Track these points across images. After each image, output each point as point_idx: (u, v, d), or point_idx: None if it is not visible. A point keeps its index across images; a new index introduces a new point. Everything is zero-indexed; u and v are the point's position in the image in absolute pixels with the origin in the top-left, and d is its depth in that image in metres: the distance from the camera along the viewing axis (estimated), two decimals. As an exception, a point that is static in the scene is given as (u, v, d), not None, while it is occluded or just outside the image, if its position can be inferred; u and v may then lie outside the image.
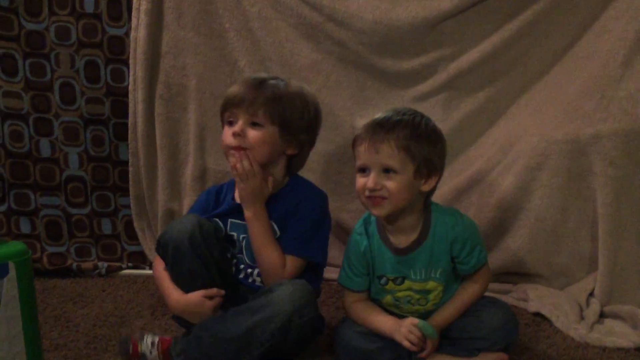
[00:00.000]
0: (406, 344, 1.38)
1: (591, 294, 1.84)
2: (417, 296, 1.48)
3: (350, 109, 2.11)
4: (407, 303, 1.49)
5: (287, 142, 1.49)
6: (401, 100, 2.09)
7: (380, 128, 1.38)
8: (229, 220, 1.53)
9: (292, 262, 1.47)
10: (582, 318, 1.74)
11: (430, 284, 1.46)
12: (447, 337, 1.45)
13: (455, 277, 1.49)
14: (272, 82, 1.49)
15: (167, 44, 2.11)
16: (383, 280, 1.48)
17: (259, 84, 1.47)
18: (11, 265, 1.21)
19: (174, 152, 2.16)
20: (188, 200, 2.11)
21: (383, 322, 1.45)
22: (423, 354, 1.39)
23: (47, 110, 2.07)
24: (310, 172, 2.12)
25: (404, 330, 1.39)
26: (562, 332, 1.69)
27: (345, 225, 2.15)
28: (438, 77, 2.05)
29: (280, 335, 1.35)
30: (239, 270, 1.56)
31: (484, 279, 1.49)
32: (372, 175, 1.37)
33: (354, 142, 1.44)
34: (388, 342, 1.42)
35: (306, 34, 2.09)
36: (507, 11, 1.98)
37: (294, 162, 1.55)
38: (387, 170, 1.37)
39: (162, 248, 1.47)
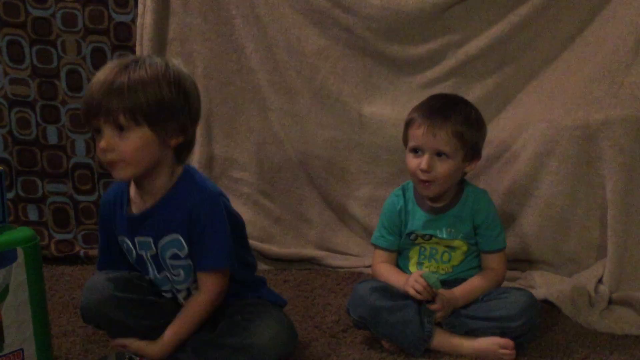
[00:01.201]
0: (412, 291, 1.47)
1: (600, 281, 1.82)
2: (443, 249, 1.60)
3: (358, 96, 2.10)
4: (432, 257, 1.59)
5: (165, 135, 1.30)
6: (409, 86, 2.08)
7: (438, 115, 1.51)
8: (135, 239, 1.39)
9: (213, 279, 1.37)
10: (591, 305, 1.73)
11: (456, 242, 1.58)
12: (473, 317, 1.48)
13: (476, 254, 1.61)
14: (117, 79, 1.26)
15: (174, 30, 2.10)
16: (412, 236, 1.60)
17: (109, 86, 1.25)
18: (19, 252, 1.22)
19: (180, 139, 2.15)
20: (195, 188, 2.10)
21: (400, 279, 1.55)
22: (433, 306, 1.47)
23: (53, 97, 2.06)
24: (317, 159, 2.13)
25: (410, 280, 1.49)
26: (570, 319, 1.69)
27: (352, 212, 2.15)
28: (446, 63, 2.04)
29: None
30: (170, 293, 1.45)
31: (502, 267, 1.60)
32: (426, 157, 1.51)
33: (409, 124, 1.56)
34: (400, 303, 1.48)
35: (313, 20, 2.08)
36: (517, -4, 1.96)
37: (183, 150, 1.37)
38: (439, 154, 1.51)
39: (88, 320, 1.42)
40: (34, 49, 2.02)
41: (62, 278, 1.92)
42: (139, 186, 1.36)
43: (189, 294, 1.42)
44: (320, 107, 2.12)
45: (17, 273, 1.21)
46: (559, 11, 1.95)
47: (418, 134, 1.53)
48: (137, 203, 1.37)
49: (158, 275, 1.41)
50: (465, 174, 1.60)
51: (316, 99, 2.12)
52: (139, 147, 1.26)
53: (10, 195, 2.08)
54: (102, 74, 1.28)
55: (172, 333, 1.37)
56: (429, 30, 2.03)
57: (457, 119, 1.52)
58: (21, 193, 2.10)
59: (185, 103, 1.32)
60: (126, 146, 1.26)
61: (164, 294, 1.44)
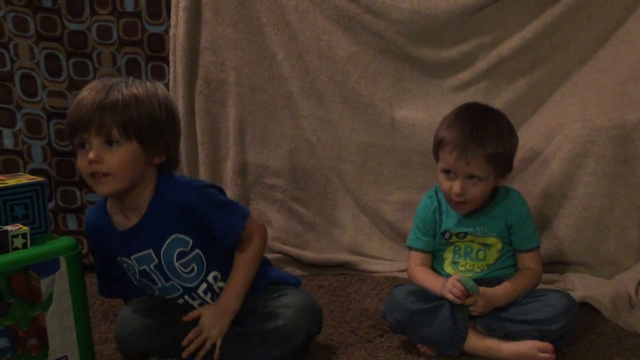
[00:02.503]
0: (449, 296, 1.47)
1: (640, 283, 1.80)
2: (477, 246, 1.60)
3: (390, 100, 2.10)
4: (467, 256, 1.59)
5: (151, 152, 1.33)
6: (441, 89, 2.07)
7: (471, 141, 1.50)
8: (132, 257, 1.40)
9: (247, 234, 1.42)
10: (631, 307, 1.71)
11: (491, 240, 1.59)
12: (511, 320, 1.48)
13: (512, 253, 1.61)
14: (111, 96, 1.28)
15: (206, 40, 2.13)
16: (447, 235, 1.61)
17: (101, 101, 1.27)
18: (62, 260, 1.24)
19: (214, 147, 2.17)
20: (229, 195, 2.11)
21: (436, 282, 1.55)
22: (467, 300, 1.47)
23: (90, 108, 2.10)
24: (350, 164, 2.14)
25: (448, 284, 1.49)
26: (611, 322, 1.66)
27: (385, 217, 2.14)
28: (478, 66, 2.03)
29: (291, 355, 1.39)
30: (187, 304, 1.46)
31: (539, 266, 1.60)
32: (459, 182, 1.52)
33: (440, 146, 1.56)
34: (435, 304, 1.49)
35: (343, 25, 2.09)
36: (548, -4, 1.95)
37: (165, 167, 1.39)
38: (472, 177, 1.51)
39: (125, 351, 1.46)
40: (71, 62, 2.07)
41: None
42: (121, 203, 1.37)
43: (209, 288, 1.43)
44: (352, 112, 2.12)
45: (60, 282, 1.24)
46: (592, 10, 1.93)
47: (450, 159, 1.52)
48: (121, 221, 1.39)
49: (166, 284, 1.42)
50: None
51: (348, 104, 2.12)
52: (127, 161, 1.28)
53: (50, 205, 2.12)
54: (92, 92, 1.29)
55: (229, 292, 1.41)
56: (459, 33, 2.02)
57: (489, 143, 1.50)
58: (60, 203, 2.14)
59: (172, 123, 1.36)
60: (115, 159, 1.27)
61: (178, 302, 1.46)
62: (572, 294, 1.73)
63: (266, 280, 1.49)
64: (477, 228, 1.58)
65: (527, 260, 1.59)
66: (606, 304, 1.71)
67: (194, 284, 1.42)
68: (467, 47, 2.03)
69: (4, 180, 1.29)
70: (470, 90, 2.03)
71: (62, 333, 1.25)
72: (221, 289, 1.43)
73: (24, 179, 1.31)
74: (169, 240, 1.37)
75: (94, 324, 1.59)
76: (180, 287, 1.42)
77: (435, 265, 1.66)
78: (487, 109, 1.62)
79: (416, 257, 1.65)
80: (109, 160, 1.27)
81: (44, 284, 1.21)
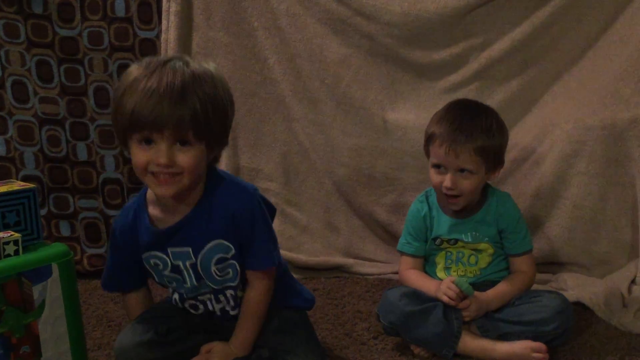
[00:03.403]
0: (444, 298, 1.48)
1: (633, 282, 1.81)
2: (469, 252, 1.60)
3: (382, 103, 2.11)
4: (459, 261, 1.59)
5: (212, 153, 1.28)
6: (432, 91, 2.08)
7: (459, 133, 1.50)
8: (169, 250, 1.32)
9: (261, 278, 1.35)
10: (624, 306, 1.71)
11: (482, 245, 1.59)
12: (506, 321, 1.48)
13: (504, 256, 1.61)
14: (189, 100, 1.17)
15: (198, 44, 2.13)
16: (438, 241, 1.61)
17: (180, 96, 1.16)
18: (54, 267, 1.24)
19: (207, 151, 2.17)
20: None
21: (430, 284, 1.56)
22: (461, 304, 1.47)
23: (82, 114, 2.10)
24: (343, 166, 2.14)
25: (442, 287, 1.49)
26: (604, 321, 1.67)
27: (379, 219, 2.15)
28: (469, 67, 2.03)
29: None
30: (208, 312, 1.41)
31: (532, 269, 1.59)
32: (449, 175, 1.52)
33: (430, 140, 1.56)
34: (429, 306, 1.49)
35: (335, 28, 2.09)
36: (538, -3, 1.96)
37: (215, 160, 1.34)
38: (462, 170, 1.51)
39: None
40: (62, 67, 2.06)
41: (95, 292, 1.95)
42: (167, 201, 1.28)
43: (234, 295, 1.37)
44: (344, 115, 2.13)
45: (53, 288, 1.23)
46: (582, 11, 1.94)
47: (440, 152, 1.53)
48: (162, 218, 1.31)
49: (195, 284, 1.35)
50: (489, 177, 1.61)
51: (340, 107, 2.13)
52: (197, 162, 1.21)
53: (42, 212, 2.12)
54: (162, 85, 1.15)
55: (240, 340, 1.35)
56: (450, 35, 2.03)
57: (478, 135, 1.51)
58: (53, 209, 2.14)
59: (230, 118, 1.27)
60: (186, 161, 1.19)
61: (196, 306, 1.40)
62: (565, 294, 1.74)
63: (284, 302, 1.43)
64: (469, 234, 1.58)
65: (520, 264, 1.59)
66: (599, 303, 1.72)
67: (227, 285, 1.35)
68: (458, 48, 2.03)
69: (-4, 187, 1.29)
70: (461, 91, 2.03)
71: (55, 340, 1.25)
72: (240, 298, 1.38)
73: (16, 185, 1.31)
74: (211, 244, 1.29)
75: (87, 330, 1.59)
76: (209, 288, 1.36)
77: (427, 269, 1.66)
78: (476, 104, 1.63)
79: (407, 262, 1.66)
80: (180, 162, 1.19)
81: (36, 290, 1.21)
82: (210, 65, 1.27)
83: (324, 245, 2.18)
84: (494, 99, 2.00)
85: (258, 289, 1.35)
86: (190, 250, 1.30)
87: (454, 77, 2.05)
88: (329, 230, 2.20)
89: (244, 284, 1.37)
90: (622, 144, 1.83)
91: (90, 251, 2.15)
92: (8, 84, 2.04)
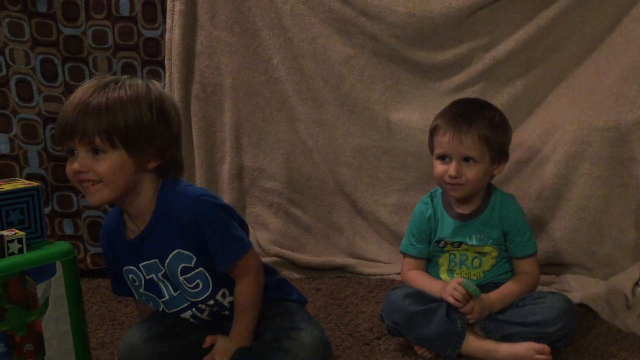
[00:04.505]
0: (450, 299, 1.47)
1: (637, 283, 1.80)
2: (473, 254, 1.59)
3: (385, 103, 2.11)
4: (462, 264, 1.59)
5: (142, 158, 1.25)
6: (436, 92, 2.07)
7: (462, 120, 1.52)
8: (140, 265, 1.33)
9: (240, 267, 1.33)
10: (628, 308, 1.71)
11: (486, 248, 1.58)
12: (509, 322, 1.48)
13: (508, 259, 1.60)
14: (95, 99, 1.20)
15: (202, 44, 2.13)
16: (442, 244, 1.60)
17: (85, 106, 1.20)
18: (58, 266, 1.24)
19: (210, 151, 2.18)
20: (226, 198, 2.12)
21: (434, 285, 1.56)
22: (465, 308, 1.46)
23: (86, 113, 2.10)
24: (346, 167, 2.14)
25: (449, 288, 1.48)
26: (607, 323, 1.66)
27: (382, 219, 2.15)
28: (473, 68, 2.03)
29: None
30: (190, 322, 1.40)
31: (536, 271, 1.59)
32: (454, 163, 1.52)
33: (434, 132, 1.57)
34: (432, 306, 1.49)
35: (339, 29, 2.09)
36: (543, -2, 1.96)
37: (164, 171, 1.31)
38: (467, 159, 1.51)
39: None
40: (67, 66, 2.07)
41: (98, 291, 1.95)
42: (125, 211, 1.32)
43: (216, 304, 1.37)
44: (347, 115, 2.13)
45: (57, 287, 1.23)
46: (586, 12, 1.94)
47: (444, 141, 1.53)
48: (132, 229, 1.33)
49: (174, 294, 1.35)
50: (493, 176, 1.60)
51: (344, 107, 2.13)
52: (114, 170, 1.21)
53: (46, 210, 2.12)
54: (79, 93, 1.22)
55: (239, 332, 1.35)
56: (454, 36, 2.03)
57: (481, 123, 1.52)
58: (57, 208, 2.14)
59: (166, 127, 1.26)
60: (102, 168, 1.21)
61: (184, 316, 1.39)
62: (569, 295, 1.74)
63: (277, 294, 1.45)
64: (473, 236, 1.58)
65: (524, 267, 1.59)
66: (603, 305, 1.71)
67: (200, 299, 1.35)
68: (462, 49, 2.03)
69: (0, 185, 1.29)
70: (465, 92, 2.03)
71: (59, 338, 1.25)
72: (231, 302, 1.37)
73: (20, 184, 1.31)
74: (172, 254, 1.30)
75: (90, 329, 1.59)
76: (188, 300, 1.36)
77: (430, 271, 1.65)
78: (479, 99, 1.67)
79: (410, 263, 1.65)
80: (96, 170, 1.21)
81: (40, 289, 1.21)
82: (151, 86, 1.27)
83: (327, 246, 2.18)
84: (498, 100, 2.00)
85: (242, 284, 1.34)
86: (158, 261, 1.32)
87: (458, 78, 2.05)
88: (332, 230, 2.20)
89: (229, 288, 1.36)
90: (626, 146, 1.83)
91: (94, 250, 2.15)
92: (12, 83, 2.05)
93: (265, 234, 2.16)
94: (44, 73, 2.06)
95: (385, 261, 2.13)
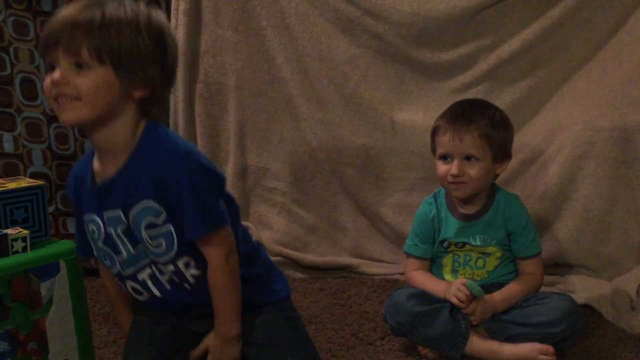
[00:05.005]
0: (454, 300, 1.46)
1: (642, 285, 1.80)
2: (476, 255, 1.59)
3: (390, 103, 2.10)
4: (466, 264, 1.58)
5: (130, 83, 1.12)
6: (441, 92, 2.07)
7: (462, 119, 1.52)
8: (104, 214, 1.18)
9: (213, 245, 1.18)
10: (632, 309, 1.70)
11: (490, 249, 1.58)
12: (513, 323, 1.48)
13: (512, 259, 1.60)
14: (88, 12, 1.10)
15: (206, 43, 2.13)
16: (445, 244, 1.60)
17: (76, 18, 1.09)
18: (62, 264, 1.24)
19: (214, 150, 2.18)
20: (230, 198, 2.12)
21: (438, 285, 1.56)
22: (467, 309, 1.46)
23: (90, 112, 2.10)
24: (350, 166, 2.13)
25: (453, 288, 1.48)
26: (612, 324, 1.66)
27: (386, 219, 2.14)
28: (478, 68, 2.03)
29: None
30: (153, 296, 1.23)
31: (540, 271, 1.58)
32: (456, 162, 1.52)
33: (435, 133, 1.58)
34: (436, 307, 1.49)
35: (343, 28, 2.09)
36: (548, -2, 1.95)
37: (149, 107, 1.18)
38: (468, 158, 1.52)
39: None
40: (71, 65, 2.07)
41: (101, 289, 1.94)
42: (97, 146, 1.18)
43: (177, 272, 1.20)
44: (352, 114, 2.12)
45: (60, 285, 1.24)
46: (592, 12, 1.93)
47: (445, 140, 1.53)
48: (100, 173, 1.19)
49: (133, 251, 1.19)
50: (497, 176, 1.60)
51: (348, 107, 2.12)
52: (97, 88, 1.08)
53: (50, 209, 2.12)
54: (71, 7, 1.10)
55: (221, 321, 1.21)
56: (459, 35, 2.02)
57: (481, 121, 1.52)
58: (61, 207, 2.14)
59: (162, 57, 1.15)
60: (83, 82, 1.08)
61: (138, 290, 1.23)
62: (573, 296, 1.73)
63: (264, 296, 1.31)
64: (477, 237, 1.57)
65: (528, 267, 1.58)
66: (607, 306, 1.71)
67: (160, 260, 1.19)
68: (467, 49, 2.03)
69: (4, 183, 1.29)
70: (470, 92, 2.03)
71: (63, 337, 1.25)
72: (195, 277, 1.20)
73: (24, 182, 1.31)
74: (140, 204, 1.15)
75: (94, 328, 1.59)
76: (148, 256, 1.20)
77: (434, 271, 1.65)
78: (480, 100, 1.67)
79: (414, 263, 1.65)
80: (77, 84, 1.07)
81: (44, 287, 1.21)
82: (153, 12, 1.16)
83: (330, 245, 2.18)
84: (502, 100, 2.00)
85: (212, 261, 1.18)
86: (121, 212, 1.16)
87: (463, 78, 2.05)
88: (335, 230, 2.19)
89: (195, 259, 1.20)
90: (631, 146, 1.83)
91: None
92: (17, 81, 2.05)
93: (269, 233, 2.16)
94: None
95: (389, 261, 2.13)
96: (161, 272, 1.21)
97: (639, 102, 1.82)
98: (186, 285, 1.21)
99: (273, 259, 2.04)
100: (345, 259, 2.12)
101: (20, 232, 1.21)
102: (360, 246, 2.17)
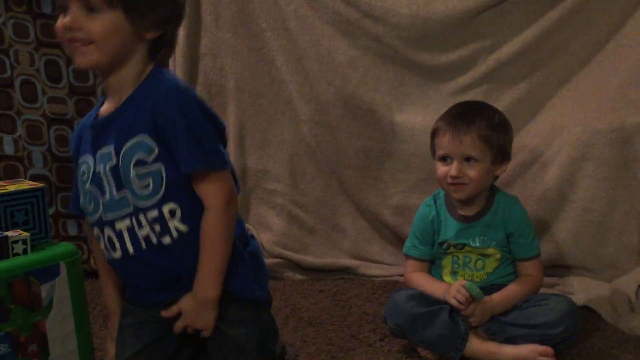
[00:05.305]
0: (453, 302, 1.47)
1: (640, 286, 1.80)
2: (476, 256, 1.59)
3: (389, 105, 2.11)
4: (465, 266, 1.59)
5: (141, 25, 1.12)
6: (440, 94, 2.07)
7: (461, 121, 1.53)
8: (98, 153, 1.16)
9: (211, 186, 1.13)
10: (632, 310, 1.71)
11: (490, 250, 1.58)
12: (513, 324, 1.48)
13: (511, 261, 1.60)
14: None
15: (206, 45, 2.13)
16: (445, 246, 1.60)
17: None
18: (62, 266, 1.24)
19: (214, 152, 2.18)
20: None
21: (437, 286, 1.56)
22: (466, 311, 1.46)
23: (90, 114, 2.10)
24: (350, 168, 2.14)
25: (452, 290, 1.48)
26: (611, 325, 1.66)
27: (385, 221, 2.14)
28: (477, 70, 2.03)
29: None
30: (127, 255, 1.15)
31: (539, 273, 1.59)
32: (455, 164, 1.52)
33: (435, 134, 1.59)
34: (436, 308, 1.49)
35: (343, 30, 2.09)
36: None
37: (159, 47, 1.17)
38: (468, 159, 1.52)
39: None
40: (71, 67, 2.07)
41: (101, 291, 1.95)
42: (108, 87, 1.18)
43: (159, 220, 1.13)
44: (351, 116, 2.13)
45: (61, 287, 1.24)
46: (590, 14, 1.93)
47: (444, 142, 1.54)
48: (103, 112, 1.19)
49: (115, 195, 1.14)
50: (496, 178, 1.60)
51: (347, 108, 2.13)
52: (109, 31, 1.09)
53: (50, 211, 2.12)
54: None
55: (200, 279, 1.14)
56: (459, 37, 2.02)
57: (480, 122, 1.53)
58: (61, 209, 2.14)
59: None
60: (95, 26, 1.08)
61: (113, 244, 1.16)
62: (572, 297, 1.74)
63: (239, 288, 1.19)
64: (477, 238, 1.57)
65: (527, 268, 1.58)
66: (607, 307, 1.71)
67: (145, 204, 1.13)
68: (467, 51, 2.03)
69: (5, 186, 1.30)
70: (469, 94, 2.03)
71: (63, 339, 1.25)
72: (179, 231, 1.13)
73: (25, 184, 1.31)
74: (134, 139, 1.12)
75: (94, 330, 1.59)
76: (130, 204, 1.13)
77: (433, 273, 1.65)
78: (478, 102, 1.69)
79: (413, 265, 1.65)
80: (89, 29, 1.08)
81: (44, 289, 1.21)
82: None
83: (330, 247, 2.18)
84: (502, 102, 2.00)
85: (210, 205, 1.12)
86: (113, 149, 1.13)
87: (462, 80, 2.05)
88: (335, 231, 2.20)
89: (183, 208, 1.13)
90: (630, 148, 1.83)
91: (97, 251, 2.15)
92: (17, 84, 2.05)
93: (269, 235, 2.17)
94: (48, 74, 2.06)
95: (389, 263, 2.13)
96: (140, 225, 1.14)
97: (637, 104, 1.82)
98: (166, 242, 1.13)
99: (273, 260, 2.06)
100: (345, 261, 2.12)
101: (20, 234, 1.21)
102: (359, 248, 2.18)
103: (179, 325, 1.16)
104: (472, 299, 1.46)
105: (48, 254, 1.24)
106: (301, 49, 2.12)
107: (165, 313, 1.16)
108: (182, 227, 1.13)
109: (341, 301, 1.88)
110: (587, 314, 1.71)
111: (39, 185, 1.30)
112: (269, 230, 2.19)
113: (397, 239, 2.13)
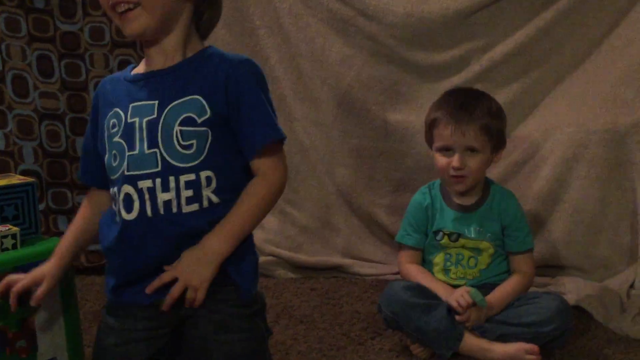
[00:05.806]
0: (454, 304, 1.47)
1: (632, 286, 1.80)
2: (469, 254, 1.58)
3: (383, 104, 2.10)
4: (458, 263, 1.58)
5: None
6: (434, 93, 2.04)
7: (462, 112, 1.53)
8: (131, 105, 1.10)
9: (270, 160, 1.12)
10: (623, 310, 1.71)
11: (483, 244, 1.57)
12: (505, 323, 1.48)
13: (504, 257, 1.60)
14: None
15: (199, 42, 2.12)
16: (439, 236, 1.60)
17: None
18: (52, 261, 1.23)
19: (207, 149, 2.17)
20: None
21: (439, 286, 1.56)
22: (463, 317, 1.46)
23: (82, 109, 2.09)
24: (343, 167, 2.13)
25: (457, 293, 1.49)
26: (602, 325, 1.66)
27: (378, 220, 2.14)
28: (471, 69, 2.03)
29: None
30: (144, 216, 1.06)
31: (531, 268, 1.59)
32: (457, 155, 1.52)
33: (433, 125, 1.58)
34: (433, 302, 1.49)
35: (337, 29, 2.09)
36: (542, 0, 1.95)
37: (204, 9, 1.15)
38: (469, 150, 1.52)
39: None
40: (63, 62, 2.06)
41: (92, 288, 1.95)
42: (151, 47, 1.12)
43: (194, 185, 1.06)
44: (345, 115, 2.12)
45: (50, 283, 1.23)
46: (584, 15, 1.94)
47: (446, 134, 1.53)
48: (144, 70, 1.14)
49: (146, 152, 1.07)
50: (490, 163, 1.61)
51: (341, 107, 2.12)
52: None
53: (41, 207, 2.11)
54: None
55: (224, 226, 1.06)
56: (453, 37, 2.02)
57: (481, 113, 1.53)
58: (51, 204, 2.13)
59: None
60: None
61: (131, 201, 1.07)
62: (564, 297, 1.74)
63: (237, 275, 1.10)
64: (472, 228, 1.57)
65: (520, 263, 1.59)
66: (598, 307, 1.71)
67: (183, 166, 1.06)
68: (461, 50, 2.03)
69: (-6, 180, 1.29)
70: (463, 93, 2.03)
71: (52, 335, 1.24)
72: (210, 201, 1.06)
73: (15, 179, 1.30)
74: (185, 98, 1.07)
75: (83, 326, 1.58)
76: (160, 162, 1.06)
77: (426, 253, 1.66)
78: (472, 89, 1.68)
79: (407, 254, 1.65)
80: None
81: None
82: None
83: (323, 246, 2.18)
84: (495, 102, 2.00)
85: (266, 173, 1.11)
86: (157, 104, 1.08)
87: (456, 79, 2.05)
88: (328, 230, 2.19)
89: (221, 178, 1.08)
90: (623, 148, 1.83)
91: (89, 247, 2.14)
92: (8, 78, 2.04)
93: (261, 233, 2.16)
94: (40, 69, 2.05)
95: (381, 261, 2.13)
96: (166, 188, 1.06)
97: (630, 104, 1.83)
98: (191, 209, 1.06)
99: (265, 259, 2.05)
100: (337, 259, 2.12)
101: (10, 229, 1.20)
102: (352, 246, 2.17)
103: (175, 291, 1.04)
104: (473, 305, 1.47)
105: (38, 249, 1.23)
106: (295, 47, 2.12)
107: (166, 268, 1.06)
108: (214, 199, 1.07)
109: (333, 299, 1.87)
110: (578, 314, 1.71)
111: (30, 180, 1.29)
112: (261, 228, 2.18)
113: (389, 238, 2.13)
